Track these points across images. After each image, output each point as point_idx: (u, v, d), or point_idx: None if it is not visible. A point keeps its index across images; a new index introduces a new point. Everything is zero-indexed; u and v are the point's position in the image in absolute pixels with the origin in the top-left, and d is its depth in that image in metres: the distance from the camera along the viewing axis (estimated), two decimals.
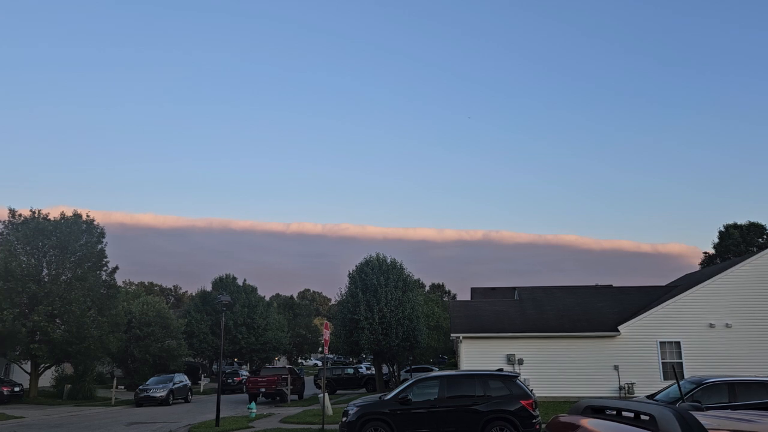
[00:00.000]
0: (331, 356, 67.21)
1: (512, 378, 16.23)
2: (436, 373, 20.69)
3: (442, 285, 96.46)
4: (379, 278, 38.37)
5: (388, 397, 16.63)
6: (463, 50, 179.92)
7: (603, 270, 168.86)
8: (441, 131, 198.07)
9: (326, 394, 23.03)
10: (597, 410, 4.35)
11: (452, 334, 29.74)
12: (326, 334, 21.98)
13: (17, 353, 34.67)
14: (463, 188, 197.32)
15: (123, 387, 42.66)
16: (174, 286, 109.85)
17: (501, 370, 17.85)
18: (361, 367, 46.91)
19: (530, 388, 16.86)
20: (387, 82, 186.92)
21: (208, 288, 59.77)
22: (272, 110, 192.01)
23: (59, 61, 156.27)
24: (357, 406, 16.67)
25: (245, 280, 61.28)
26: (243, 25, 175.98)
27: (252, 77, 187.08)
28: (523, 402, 15.41)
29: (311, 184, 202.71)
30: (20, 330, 32.86)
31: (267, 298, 67.42)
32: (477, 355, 28.17)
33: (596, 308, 30.75)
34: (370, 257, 40.32)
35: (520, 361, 27.97)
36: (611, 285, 39.17)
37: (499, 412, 15.34)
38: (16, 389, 33.83)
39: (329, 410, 22.86)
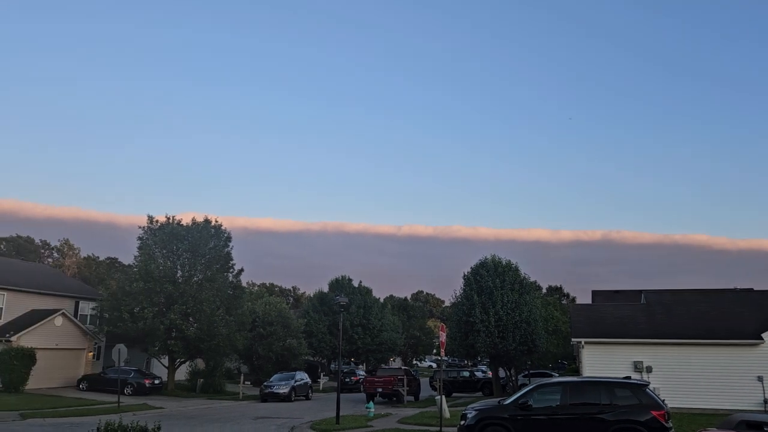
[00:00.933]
0: (446, 358, 66.97)
1: (642, 386, 15.25)
2: (559, 378, 19.91)
3: (560, 287, 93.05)
4: (494, 280, 37.66)
5: (508, 401, 16.23)
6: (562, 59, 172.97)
7: (740, 272, 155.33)
8: (553, 131, 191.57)
9: (443, 397, 22.91)
10: (753, 426, 3.92)
11: (573, 339, 28.57)
12: (442, 337, 21.86)
13: (156, 348, 37.52)
14: (579, 187, 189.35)
15: (249, 383, 44.98)
16: (293, 287, 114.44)
17: (629, 377, 16.85)
18: (477, 371, 46.26)
19: (661, 398, 15.77)
20: (492, 84, 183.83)
21: (325, 289, 61.64)
22: (383, 115, 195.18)
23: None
24: (475, 410, 16.42)
25: (360, 281, 62.55)
26: (361, 34, 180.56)
27: (366, 83, 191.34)
28: (654, 413, 14.41)
29: (422, 186, 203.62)
30: (159, 327, 35.60)
31: (381, 300, 68.39)
32: (600, 361, 26.84)
33: (735, 314, 28.26)
34: (485, 259, 39.67)
35: (649, 369, 26.30)
36: (752, 288, 35.87)
37: (627, 422, 14.46)
38: (156, 382, 36.69)
39: (446, 413, 22.71)
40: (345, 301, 24.95)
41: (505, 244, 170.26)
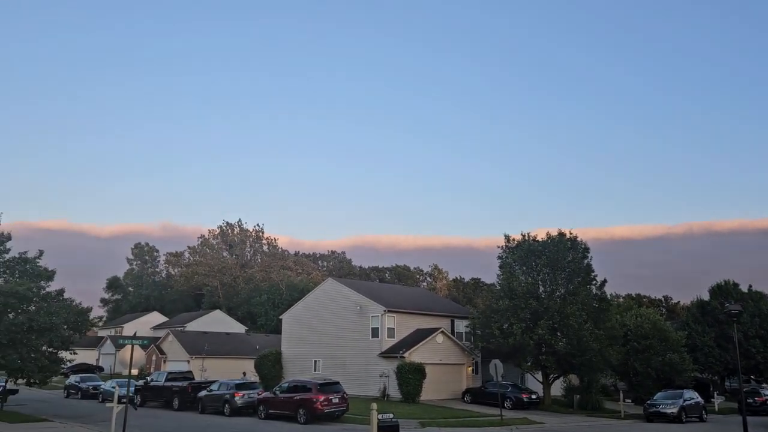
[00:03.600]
0: None
1: None
2: None
3: None
4: None
5: None
6: None
7: None
8: None
9: None
10: None
11: None
12: None
13: (529, 364, 38.05)
14: None
15: (629, 400, 42.08)
16: (663, 296, 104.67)
17: None
18: None
19: None
20: None
21: (705, 297, 54.42)
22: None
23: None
24: None
25: (750, 286, 53.49)
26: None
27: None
28: None
29: None
30: (528, 343, 36.04)
31: None
32: None
33: None
34: None
35: None
36: None
37: None
38: (533, 397, 37.02)
39: None
40: (738, 309, 21.24)
41: None
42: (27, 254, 29.20)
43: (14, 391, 33.43)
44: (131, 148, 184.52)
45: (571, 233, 39.90)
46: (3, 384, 32.58)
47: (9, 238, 29.57)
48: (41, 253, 29.61)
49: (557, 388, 41.63)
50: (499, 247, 41.38)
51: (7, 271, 28.92)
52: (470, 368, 42.69)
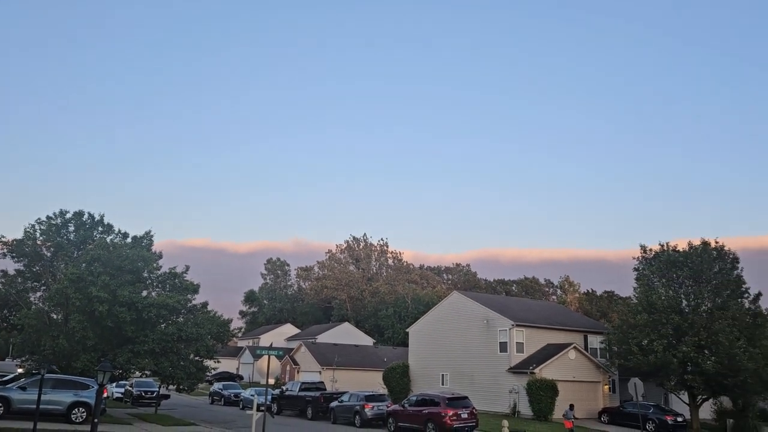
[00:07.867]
0: None
1: None
2: None
3: None
4: None
5: None
6: None
7: None
8: None
9: None
10: None
11: None
12: None
13: (672, 383, 35.27)
14: None
15: None
16: None
17: None
18: None
19: None
20: None
21: None
22: None
23: None
24: None
25: None
26: None
27: None
28: None
29: None
30: (671, 361, 33.41)
31: None
32: None
33: None
34: None
35: None
36: None
37: None
38: (679, 420, 34.21)
39: None
40: None
41: None
42: (175, 269, 31.77)
43: (166, 396, 36.41)
44: (265, 165, 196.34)
45: (717, 242, 36.84)
46: (157, 389, 35.67)
47: (160, 256, 32.38)
48: (187, 268, 32.06)
49: (706, 411, 38.18)
50: (635, 258, 39.29)
51: (159, 285, 31.61)
52: (607, 386, 40.38)
